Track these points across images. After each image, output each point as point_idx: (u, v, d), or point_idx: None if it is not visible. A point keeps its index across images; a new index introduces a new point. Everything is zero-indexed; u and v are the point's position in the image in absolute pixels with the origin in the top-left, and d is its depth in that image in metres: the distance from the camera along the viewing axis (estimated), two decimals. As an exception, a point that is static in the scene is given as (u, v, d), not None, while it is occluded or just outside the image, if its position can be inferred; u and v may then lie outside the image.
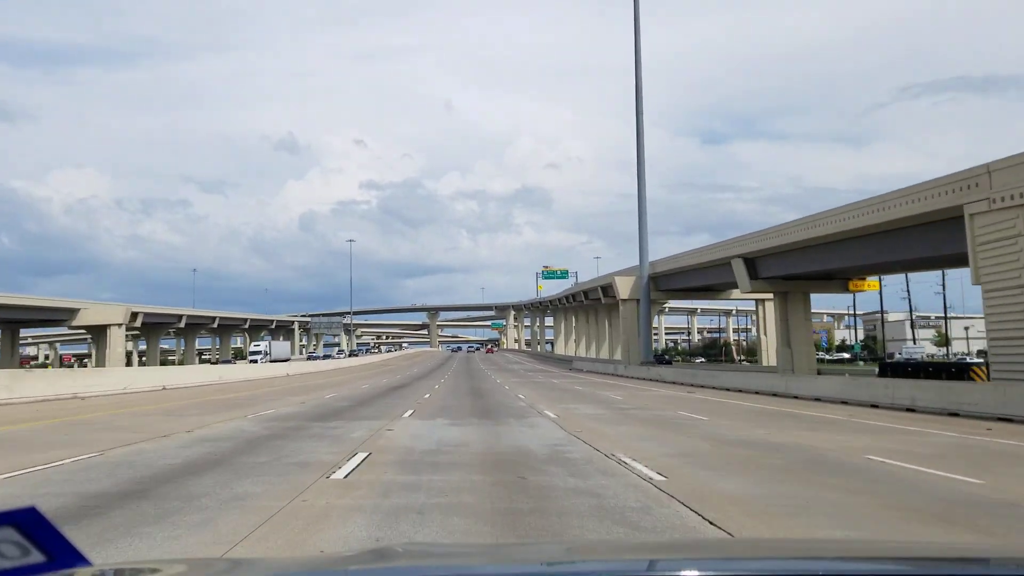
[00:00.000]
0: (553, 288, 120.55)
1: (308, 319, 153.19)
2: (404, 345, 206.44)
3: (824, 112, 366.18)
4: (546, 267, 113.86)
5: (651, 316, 66.43)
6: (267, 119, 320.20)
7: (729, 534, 6.19)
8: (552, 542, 5.41)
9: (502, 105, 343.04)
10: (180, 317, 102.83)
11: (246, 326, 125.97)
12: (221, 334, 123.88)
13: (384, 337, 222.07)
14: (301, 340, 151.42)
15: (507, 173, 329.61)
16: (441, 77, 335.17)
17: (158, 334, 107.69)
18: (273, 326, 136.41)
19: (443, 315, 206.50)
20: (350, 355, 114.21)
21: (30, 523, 1.01)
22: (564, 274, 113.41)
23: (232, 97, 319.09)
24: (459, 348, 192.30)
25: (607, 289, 74.88)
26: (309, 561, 2.73)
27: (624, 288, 66.25)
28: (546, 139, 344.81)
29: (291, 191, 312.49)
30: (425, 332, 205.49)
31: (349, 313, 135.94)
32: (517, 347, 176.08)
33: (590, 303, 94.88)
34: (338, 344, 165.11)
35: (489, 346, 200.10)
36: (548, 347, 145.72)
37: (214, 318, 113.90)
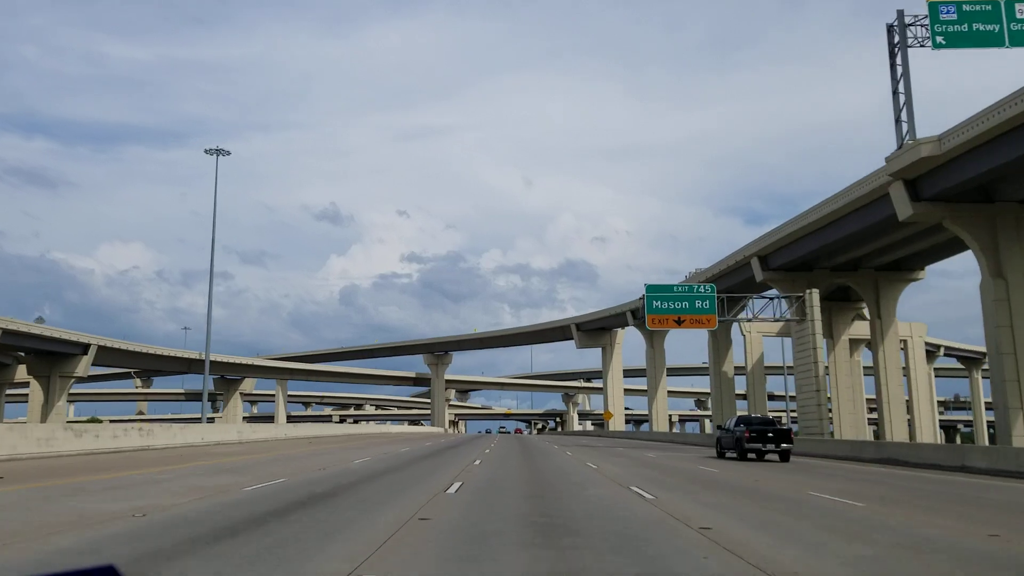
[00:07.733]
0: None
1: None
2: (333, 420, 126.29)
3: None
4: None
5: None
6: (310, 194, 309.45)
7: None
8: None
9: (544, 182, 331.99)
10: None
11: None
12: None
13: (371, 408, 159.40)
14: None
15: (548, 249, 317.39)
16: (483, 156, 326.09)
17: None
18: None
19: (463, 365, 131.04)
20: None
21: None
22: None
23: (277, 173, 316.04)
24: (489, 431, 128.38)
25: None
26: None
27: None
28: (587, 216, 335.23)
29: (332, 264, 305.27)
30: (450, 401, 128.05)
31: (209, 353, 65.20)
32: (633, 426, 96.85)
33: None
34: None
35: (518, 427, 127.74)
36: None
37: None
